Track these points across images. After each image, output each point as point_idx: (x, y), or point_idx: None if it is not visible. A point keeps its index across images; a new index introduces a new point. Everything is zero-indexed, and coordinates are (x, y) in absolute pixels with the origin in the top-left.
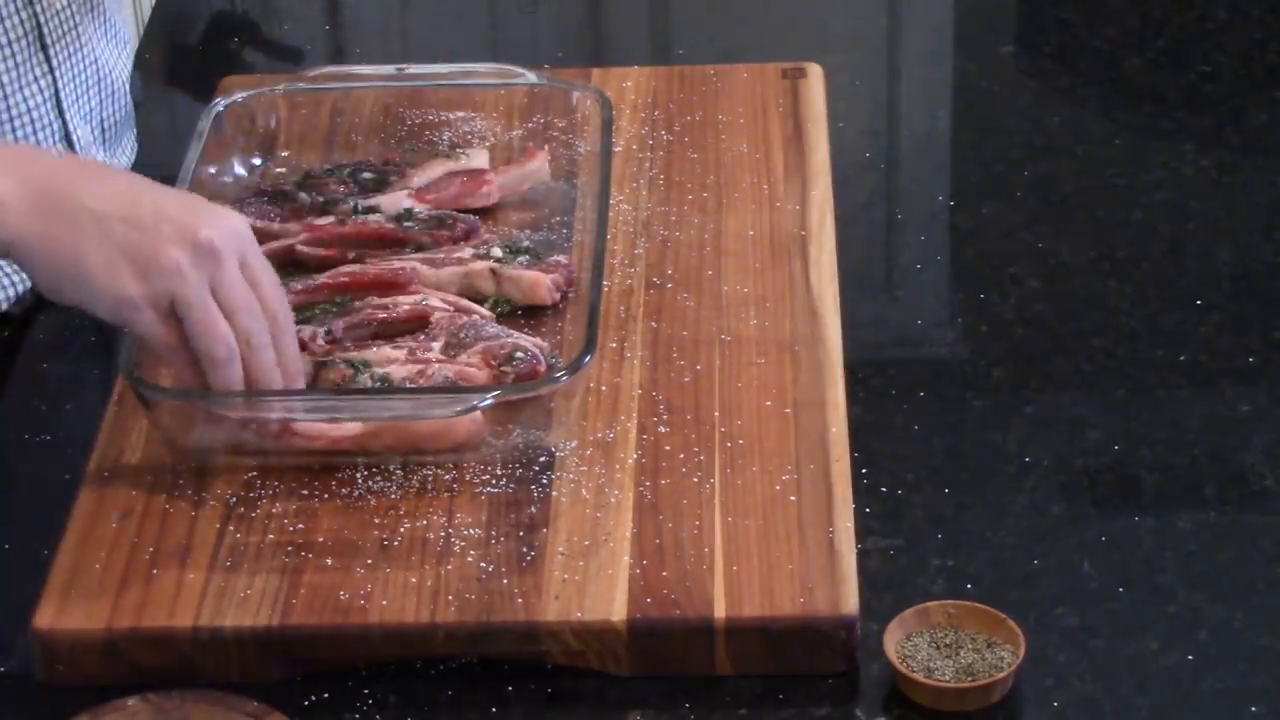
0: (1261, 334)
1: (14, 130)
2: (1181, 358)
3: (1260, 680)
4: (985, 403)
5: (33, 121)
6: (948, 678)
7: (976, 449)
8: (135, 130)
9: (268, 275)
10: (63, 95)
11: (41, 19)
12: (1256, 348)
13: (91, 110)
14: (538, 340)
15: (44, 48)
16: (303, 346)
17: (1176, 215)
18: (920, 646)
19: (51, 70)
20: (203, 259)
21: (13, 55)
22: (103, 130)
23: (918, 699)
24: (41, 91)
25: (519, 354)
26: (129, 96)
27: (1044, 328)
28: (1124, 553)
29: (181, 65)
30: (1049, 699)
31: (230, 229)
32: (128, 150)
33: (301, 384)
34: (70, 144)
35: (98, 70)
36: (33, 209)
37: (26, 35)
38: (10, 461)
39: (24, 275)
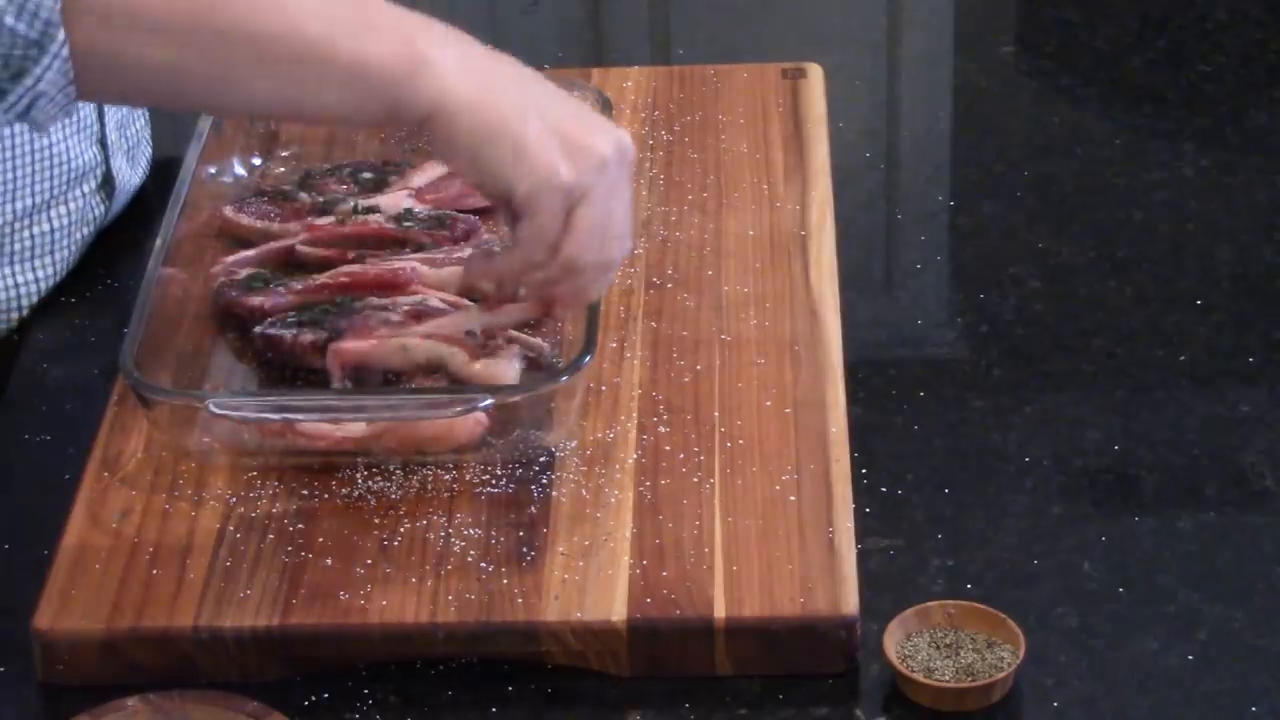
0: (1261, 334)
1: (62, 128)
2: (1181, 358)
3: (1260, 680)
4: (985, 403)
5: (78, 119)
6: (948, 678)
7: (976, 449)
8: (151, 151)
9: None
10: (110, 138)
11: None
12: (1256, 348)
13: (122, 119)
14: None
15: None
16: (299, 348)
17: (1176, 215)
18: (920, 646)
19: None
20: (622, 161)
21: None
22: (126, 142)
23: (918, 699)
24: (90, 139)
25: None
26: (147, 120)
27: (1044, 328)
28: (1124, 553)
29: None
30: (1049, 699)
31: (630, 147)
32: (144, 167)
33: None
34: (105, 148)
35: None
36: (469, 72)
37: None
38: (10, 461)
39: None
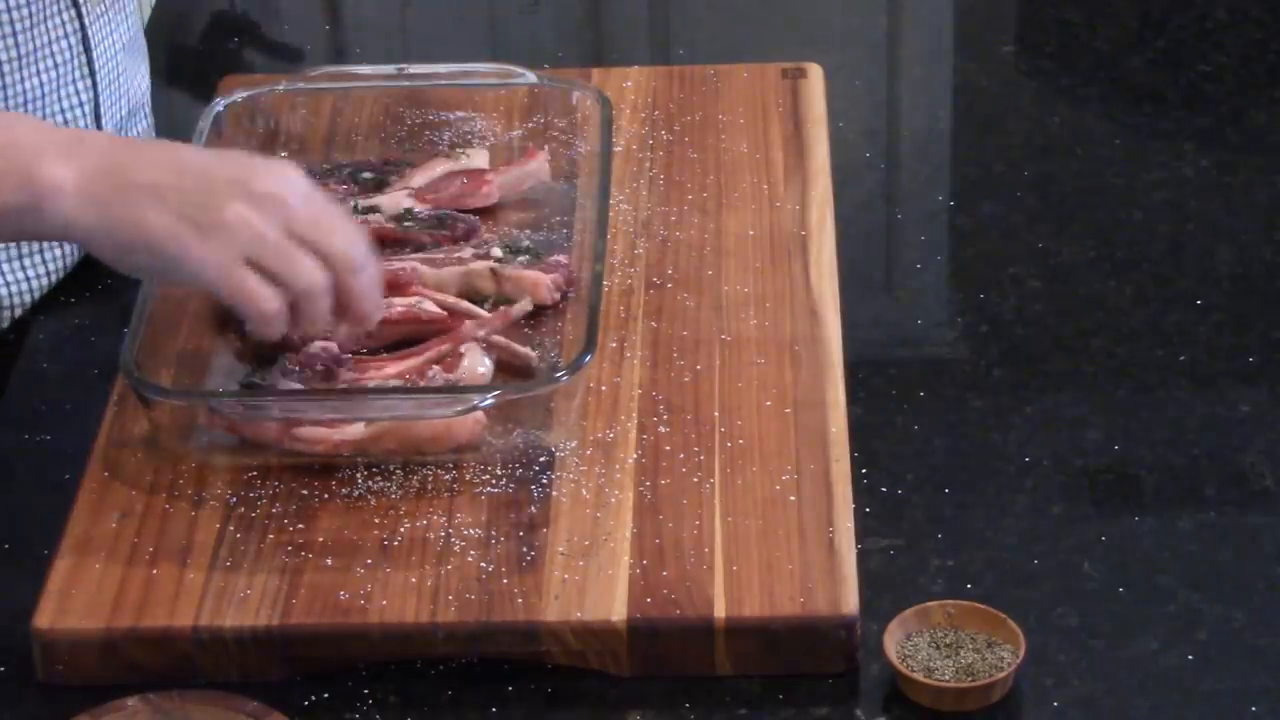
0: (1261, 334)
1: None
2: (1181, 358)
3: (1260, 680)
4: (985, 403)
5: (69, 124)
6: (948, 678)
7: (976, 449)
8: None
9: (335, 211)
10: (101, 100)
11: (86, 19)
12: (1256, 348)
13: (120, 119)
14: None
15: (87, 50)
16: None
17: (1176, 215)
18: (920, 646)
19: (93, 73)
20: (265, 207)
21: (53, 56)
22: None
23: (918, 699)
24: (80, 94)
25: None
26: (150, 116)
27: (1044, 328)
28: (1124, 553)
29: (181, 65)
30: (1049, 699)
31: (284, 177)
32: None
33: (375, 317)
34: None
35: (126, 80)
36: (89, 192)
37: (68, 36)
38: (10, 461)
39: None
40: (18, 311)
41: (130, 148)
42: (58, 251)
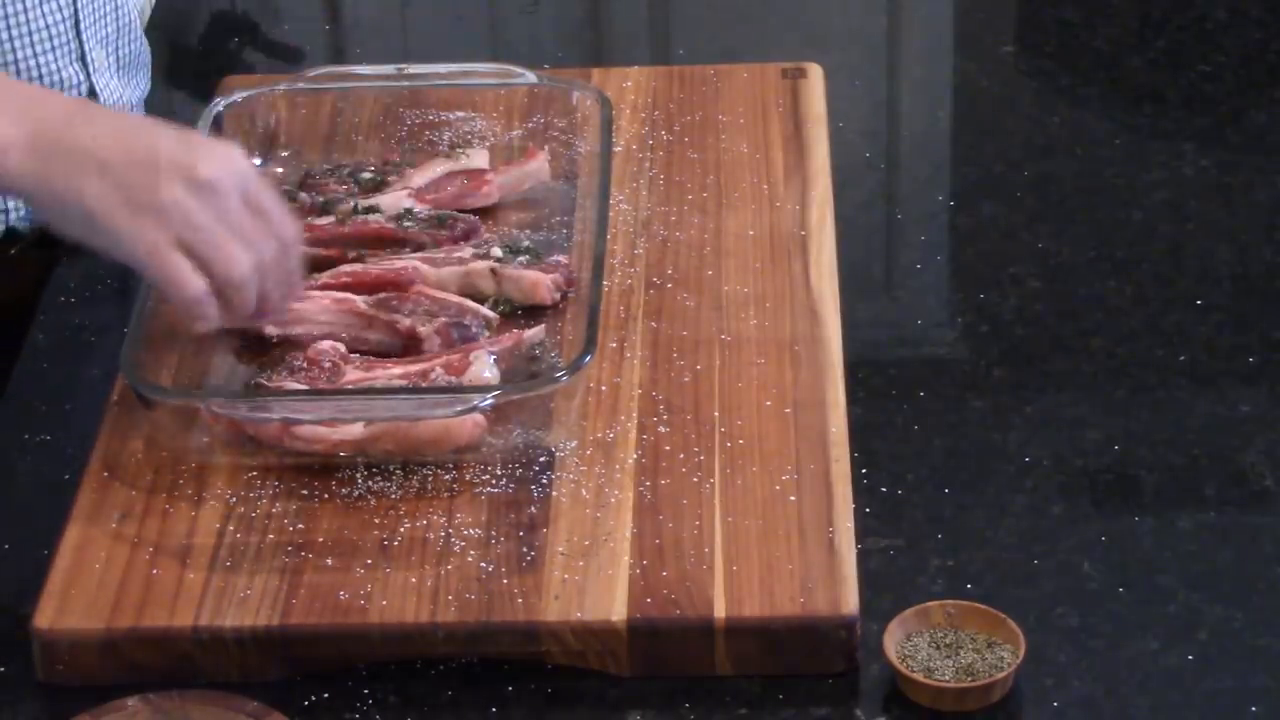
0: (1261, 334)
1: (32, 46)
2: (1181, 358)
3: (1260, 680)
4: (985, 403)
5: (51, 39)
6: (948, 678)
7: (976, 449)
8: (150, 72)
9: (272, 202)
10: (81, 15)
11: None
12: (1256, 348)
13: (107, 36)
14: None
15: None
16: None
17: (1176, 215)
18: (920, 646)
19: None
20: (203, 194)
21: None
22: (118, 59)
23: (918, 699)
24: (61, 9)
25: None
26: (144, 39)
27: (1044, 328)
28: (1124, 553)
29: (181, 65)
30: (1049, 699)
31: (228, 164)
32: (142, 85)
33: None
34: (85, 66)
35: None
36: (33, 152)
37: None
38: (10, 461)
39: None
40: (24, 214)
41: (85, 115)
42: None
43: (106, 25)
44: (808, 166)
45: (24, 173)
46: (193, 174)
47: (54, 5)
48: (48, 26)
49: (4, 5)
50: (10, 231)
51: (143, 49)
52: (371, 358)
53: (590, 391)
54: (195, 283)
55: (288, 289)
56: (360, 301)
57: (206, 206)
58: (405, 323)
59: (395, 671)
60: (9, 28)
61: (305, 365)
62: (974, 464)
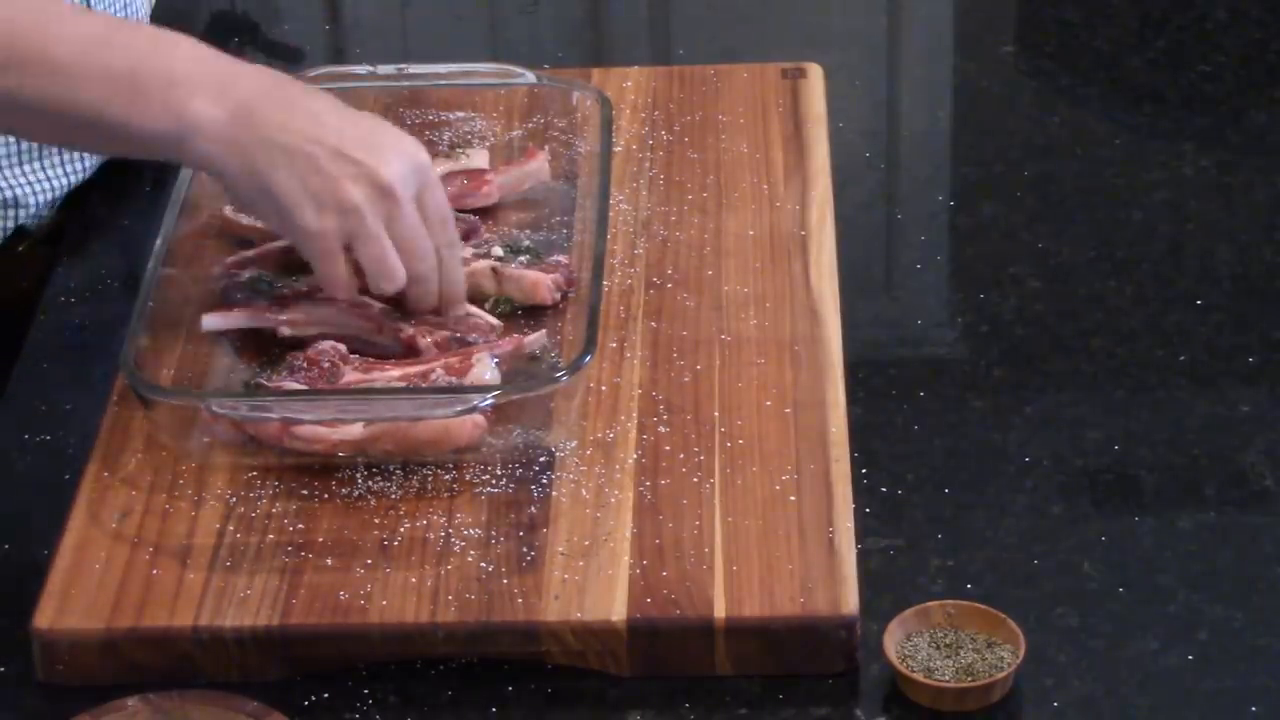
0: (1261, 334)
1: None
2: (1181, 358)
3: (1260, 680)
4: (985, 403)
5: None
6: (948, 678)
7: (976, 449)
8: None
9: (440, 208)
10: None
11: None
12: (1256, 348)
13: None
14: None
15: None
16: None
17: (1176, 215)
18: (920, 646)
19: None
20: (382, 198)
21: None
22: None
23: (918, 699)
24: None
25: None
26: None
27: (1044, 328)
28: (1124, 553)
29: None
30: (1049, 699)
31: (410, 166)
32: None
33: (463, 304)
34: None
35: None
36: (229, 135)
37: None
38: (10, 461)
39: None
40: (42, 210)
41: (277, 97)
42: (78, 154)
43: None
44: (808, 166)
45: (218, 154)
46: (376, 176)
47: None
48: None
49: None
50: (20, 229)
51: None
52: (371, 359)
53: (590, 391)
54: (349, 289)
55: (448, 293)
56: (376, 307)
57: (382, 212)
58: (407, 332)
59: (395, 671)
60: None
61: (305, 365)
62: (974, 464)
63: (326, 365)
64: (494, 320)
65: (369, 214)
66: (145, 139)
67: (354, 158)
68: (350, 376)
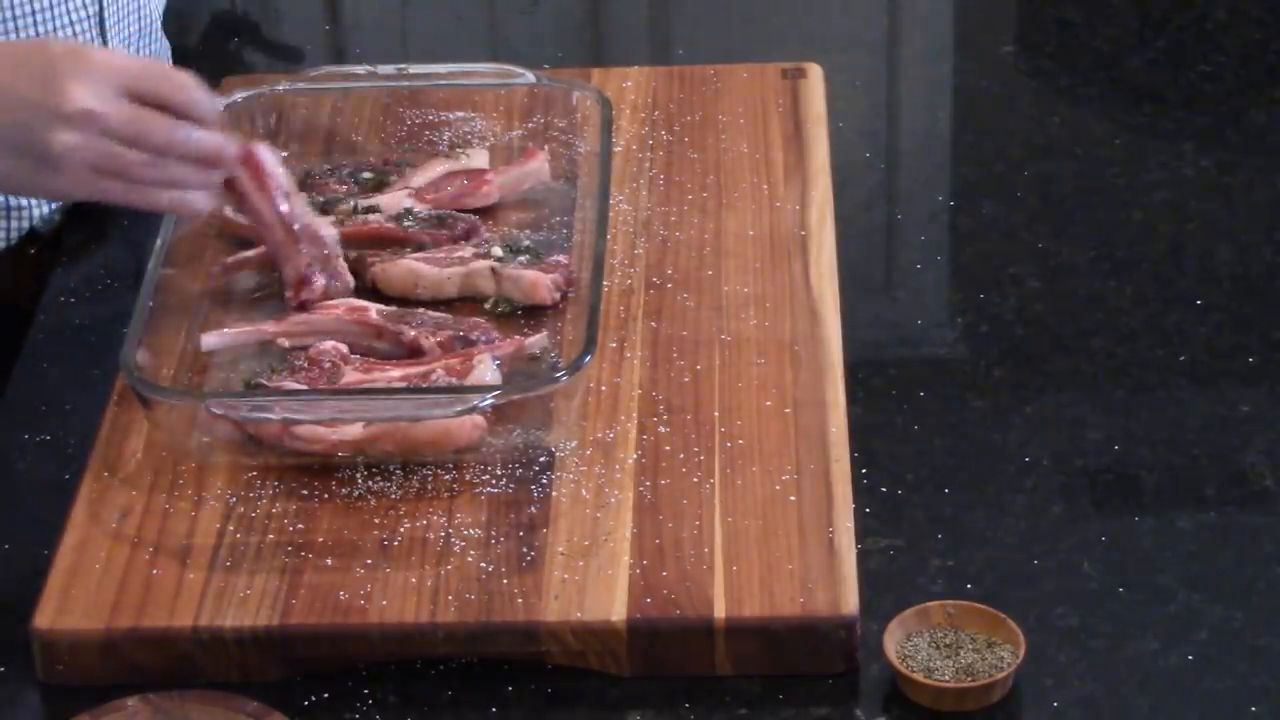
0: (1261, 334)
1: None
2: (1181, 358)
3: (1260, 680)
4: (985, 403)
5: (75, 37)
6: (948, 678)
7: (976, 449)
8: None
9: (160, 81)
10: (106, 14)
11: None
12: (1256, 348)
13: (130, 36)
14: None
15: None
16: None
17: (1176, 215)
18: (920, 646)
19: None
20: (85, 124)
21: None
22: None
23: (918, 699)
24: (86, 8)
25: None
26: (164, 39)
27: (1044, 328)
28: (1124, 553)
29: (182, 65)
30: (1049, 699)
31: (92, 83)
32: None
33: (228, 154)
34: None
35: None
36: None
37: None
38: (10, 461)
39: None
40: (53, 215)
41: None
42: None
43: (129, 25)
44: (808, 166)
45: None
46: (62, 111)
47: (78, 3)
48: (72, 24)
49: (30, 4)
50: (32, 232)
51: (163, 48)
52: (372, 360)
53: (590, 391)
54: (139, 195)
55: (209, 157)
56: (373, 312)
57: (93, 133)
58: (409, 335)
59: (395, 671)
60: (35, 24)
61: (306, 365)
62: (974, 464)
63: (328, 365)
64: (493, 332)
65: (84, 145)
66: None
67: (39, 108)
68: (351, 377)
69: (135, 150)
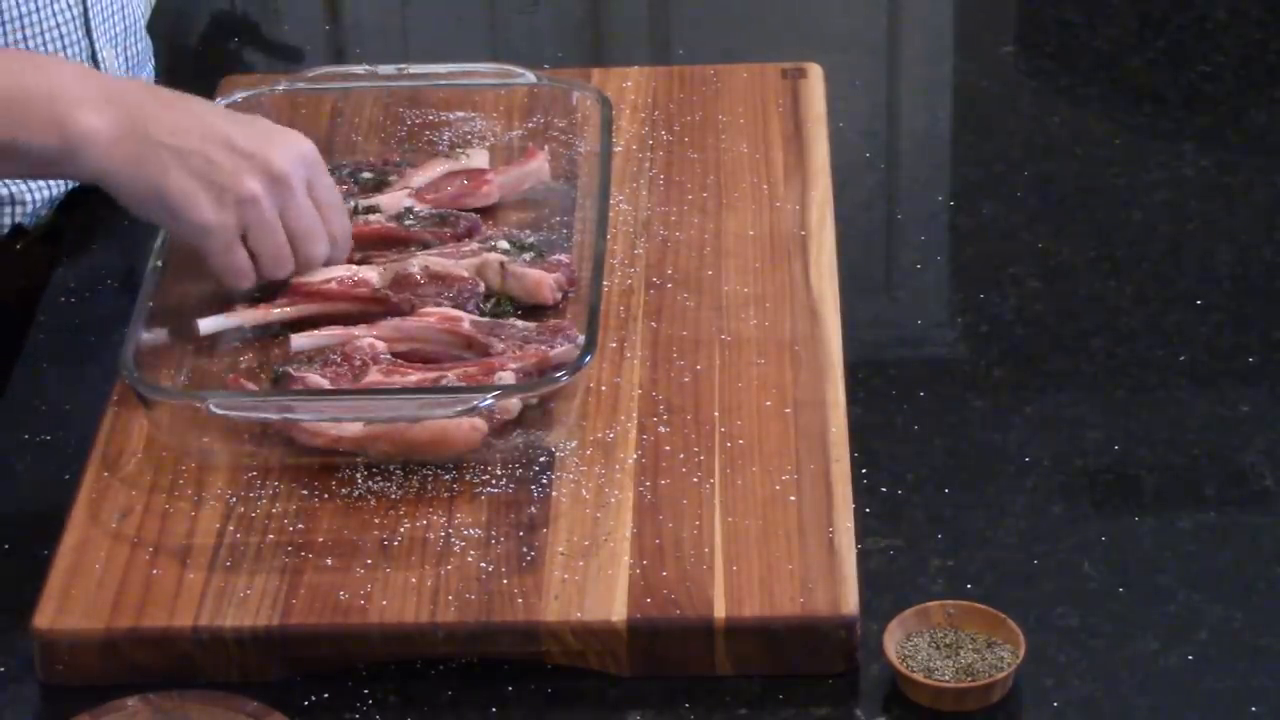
0: (1261, 334)
1: (44, 46)
2: (1181, 358)
3: (1260, 680)
4: (985, 403)
5: (62, 38)
6: (948, 678)
7: (976, 449)
8: (154, 69)
9: (331, 196)
10: (91, 14)
11: None
12: (1256, 348)
13: (116, 35)
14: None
15: None
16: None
17: (1176, 215)
18: (920, 646)
19: None
20: (276, 187)
21: None
22: (126, 58)
23: (918, 699)
24: (71, 9)
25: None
26: (148, 37)
27: (1044, 328)
28: (1124, 553)
29: (181, 65)
30: (1049, 699)
31: (299, 155)
32: (148, 80)
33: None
34: (96, 64)
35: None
36: (118, 143)
37: None
38: (10, 461)
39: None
40: (40, 209)
41: (162, 104)
42: None
43: (115, 24)
44: (808, 166)
45: (109, 164)
46: (269, 166)
47: (64, 4)
48: (58, 25)
49: (16, 5)
50: (17, 228)
51: (147, 46)
52: (399, 362)
53: (590, 391)
54: (248, 276)
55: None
56: (466, 322)
57: (277, 201)
58: (498, 348)
59: (395, 671)
60: (22, 27)
61: (339, 360)
62: (974, 464)
63: (358, 363)
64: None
65: (265, 203)
66: (34, 156)
67: (246, 150)
68: (372, 377)
69: (281, 233)
